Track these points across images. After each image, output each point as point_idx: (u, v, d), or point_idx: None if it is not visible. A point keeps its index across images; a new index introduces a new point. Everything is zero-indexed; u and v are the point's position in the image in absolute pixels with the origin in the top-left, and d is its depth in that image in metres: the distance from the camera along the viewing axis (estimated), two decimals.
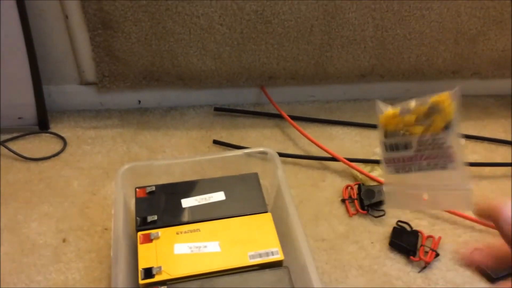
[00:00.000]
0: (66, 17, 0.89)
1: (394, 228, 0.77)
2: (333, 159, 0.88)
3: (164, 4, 0.87)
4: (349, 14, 0.91)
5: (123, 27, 0.90)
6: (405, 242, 0.74)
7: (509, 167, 0.90)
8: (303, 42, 0.95)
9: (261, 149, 0.77)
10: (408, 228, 0.77)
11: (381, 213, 0.79)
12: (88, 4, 0.87)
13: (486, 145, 0.96)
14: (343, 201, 0.82)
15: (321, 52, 0.97)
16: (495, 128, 1.00)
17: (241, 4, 0.88)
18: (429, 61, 1.00)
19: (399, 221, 0.78)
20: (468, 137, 0.97)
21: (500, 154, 0.94)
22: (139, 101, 1.03)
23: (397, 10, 0.91)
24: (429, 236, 0.76)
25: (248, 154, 0.77)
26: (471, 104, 1.07)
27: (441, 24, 0.94)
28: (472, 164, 0.90)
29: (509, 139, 0.97)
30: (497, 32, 0.96)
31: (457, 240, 0.77)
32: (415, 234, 0.76)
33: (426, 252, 0.74)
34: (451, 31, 0.95)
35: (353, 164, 0.85)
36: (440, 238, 0.76)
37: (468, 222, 0.80)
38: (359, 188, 0.81)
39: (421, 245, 0.74)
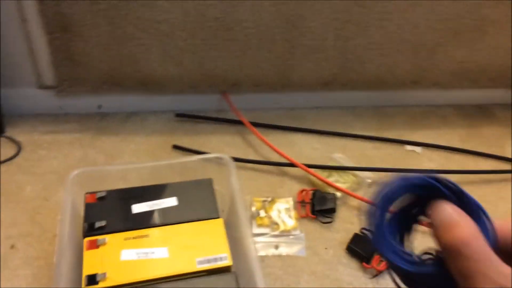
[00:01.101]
0: (24, 20, 0.88)
1: (356, 234, 0.78)
2: (291, 165, 0.89)
3: (124, 9, 0.86)
4: (311, 23, 0.92)
5: (82, 31, 0.89)
6: (361, 249, 0.75)
7: (464, 175, 0.92)
8: (265, 50, 0.96)
9: (216, 155, 0.77)
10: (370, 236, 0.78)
11: (329, 219, 0.80)
12: (46, 7, 0.86)
13: (442, 153, 0.98)
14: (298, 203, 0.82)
15: (284, 60, 0.98)
16: (452, 137, 1.02)
17: (202, 11, 0.88)
18: (390, 71, 1.02)
19: (363, 228, 0.79)
20: (425, 145, 0.99)
21: (455, 162, 0.96)
22: (100, 106, 1.02)
23: (357, 21, 0.92)
24: None
25: (205, 160, 0.77)
26: (430, 113, 1.09)
27: (400, 35, 0.95)
28: (427, 171, 0.91)
29: (465, 147, 0.99)
30: (454, 44, 0.99)
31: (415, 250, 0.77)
32: None
33: (381, 261, 0.74)
34: (410, 42, 0.97)
35: (311, 170, 0.86)
36: None
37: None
38: (314, 194, 0.82)
39: (377, 254, 0.75)
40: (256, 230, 0.77)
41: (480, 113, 1.10)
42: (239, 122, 1.01)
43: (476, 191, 0.88)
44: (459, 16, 0.94)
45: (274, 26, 0.92)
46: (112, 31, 0.89)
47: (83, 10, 0.86)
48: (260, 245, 0.75)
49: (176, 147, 0.94)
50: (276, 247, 0.76)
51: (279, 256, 0.75)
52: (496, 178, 0.92)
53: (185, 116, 1.02)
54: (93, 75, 0.95)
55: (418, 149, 0.98)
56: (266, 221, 0.78)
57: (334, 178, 0.86)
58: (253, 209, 0.80)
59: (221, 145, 0.96)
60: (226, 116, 1.03)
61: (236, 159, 0.90)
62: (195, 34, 0.92)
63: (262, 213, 0.79)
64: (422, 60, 1.01)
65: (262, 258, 0.74)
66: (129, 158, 0.91)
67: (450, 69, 1.04)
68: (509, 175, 0.93)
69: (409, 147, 0.98)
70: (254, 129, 0.95)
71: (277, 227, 0.78)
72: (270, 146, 0.91)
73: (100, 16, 0.87)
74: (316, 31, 0.94)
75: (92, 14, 0.87)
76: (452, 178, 0.93)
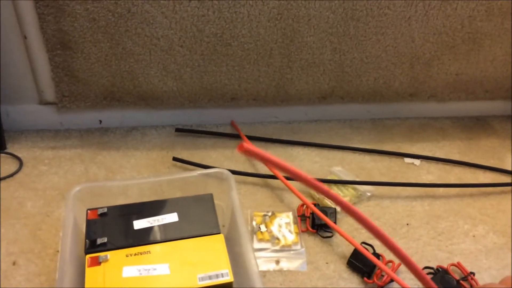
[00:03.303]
0: (25, 37, 0.89)
1: (356, 249, 0.78)
2: (291, 178, 0.89)
3: (124, 25, 0.87)
4: (307, 37, 0.93)
5: (83, 48, 0.90)
6: (362, 263, 0.75)
7: (463, 188, 0.92)
8: (263, 64, 0.97)
9: (216, 169, 0.77)
10: (371, 250, 0.78)
11: (329, 234, 0.80)
12: (47, 24, 0.87)
13: (441, 165, 0.98)
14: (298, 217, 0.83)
15: (282, 74, 0.99)
16: (451, 149, 1.03)
17: (200, 27, 0.89)
18: (386, 84, 1.03)
19: (363, 242, 0.79)
20: (424, 158, 0.99)
21: (454, 174, 0.96)
22: (100, 121, 1.02)
23: (353, 35, 0.94)
24: (389, 261, 0.77)
25: (204, 175, 0.78)
26: (428, 125, 1.10)
27: (396, 48, 0.97)
28: (427, 185, 0.92)
29: (463, 160, 0.99)
30: (450, 56, 1.00)
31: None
32: (376, 257, 0.77)
33: (382, 276, 0.74)
34: (406, 56, 0.98)
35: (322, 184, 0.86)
36: (400, 264, 0.77)
37: None
38: None
39: (379, 269, 0.75)
40: (257, 245, 0.78)
41: (478, 125, 1.11)
42: (239, 136, 1.02)
43: (475, 204, 0.89)
44: (454, 29, 0.95)
45: (271, 41, 0.94)
46: (112, 48, 0.90)
47: (83, 27, 0.87)
48: (261, 260, 0.76)
49: (176, 159, 0.94)
50: (277, 262, 0.76)
51: (280, 271, 0.75)
52: (495, 191, 0.93)
53: (184, 131, 1.03)
54: (94, 91, 0.96)
55: (417, 161, 0.99)
56: (266, 235, 0.78)
57: (334, 192, 0.87)
58: (254, 223, 0.81)
59: (221, 159, 0.97)
60: (226, 130, 1.04)
61: (236, 173, 0.91)
62: (194, 49, 0.93)
63: (263, 228, 0.79)
64: (418, 73, 1.02)
65: (263, 273, 0.74)
66: (130, 173, 0.92)
67: (446, 81, 1.05)
68: (508, 187, 0.94)
69: (408, 160, 0.99)
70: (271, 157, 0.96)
71: (278, 242, 0.78)
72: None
73: (100, 33, 0.88)
74: (313, 46, 0.95)
75: (92, 31, 0.88)
76: (451, 191, 0.94)
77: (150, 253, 0.64)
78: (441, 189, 0.92)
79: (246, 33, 0.91)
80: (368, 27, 0.93)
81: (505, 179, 0.96)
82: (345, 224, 0.83)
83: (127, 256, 0.63)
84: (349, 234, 0.81)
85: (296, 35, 0.93)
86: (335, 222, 0.81)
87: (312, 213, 0.81)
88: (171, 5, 0.86)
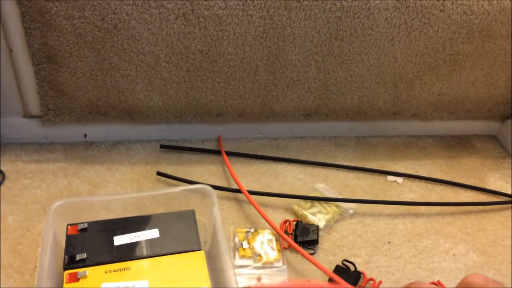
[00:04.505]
0: (11, 50, 0.89)
1: (338, 266, 0.78)
2: (275, 194, 0.90)
3: (110, 41, 0.88)
4: (292, 56, 0.95)
5: (69, 62, 0.90)
6: (344, 280, 0.75)
7: (444, 206, 0.94)
8: (249, 81, 0.98)
9: (199, 186, 0.78)
10: (352, 268, 0.79)
11: (311, 251, 0.81)
12: (33, 38, 0.87)
13: (423, 184, 1.00)
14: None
15: (267, 91, 1.00)
16: (433, 168, 1.04)
17: (186, 44, 0.90)
18: (370, 102, 1.05)
19: (345, 260, 0.79)
20: (406, 176, 1.01)
21: (436, 193, 0.98)
22: (85, 135, 1.02)
23: (337, 54, 0.95)
24: (370, 279, 0.77)
25: (187, 190, 0.78)
26: (411, 144, 1.11)
27: (380, 68, 0.98)
28: (409, 203, 0.93)
29: (445, 178, 1.01)
30: (432, 77, 1.02)
31: (397, 285, 0.78)
32: (357, 275, 0.77)
33: None
34: (389, 75, 1.00)
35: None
36: (380, 282, 0.77)
37: None
38: (296, 225, 0.82)
39: (360, 287, 0.75)
40: (239, 262, 0.78)
41: (459, 144, 1.13)
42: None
43: (456, 223, 0.90)
44: (436, 51, 0.97)
45: (257, 59, 0.95)
46: (98, 62, 0.91)
47: (69, 42, 0.88)
48: (243, 277, 0.75)
49: (160, 173, 0.94)
50: (259, 279, 0.76)
51: None
52: (476, 210, 0.94)
53: (169, 148, 1.03)
54: (79, 105, 0.96)
55: (399, 179, 1.00)
56: (248, 252, 0.78)
57: (317, 209, 0.87)
58: (237, 239, 0.81)
59: (205, 175, 0.97)
60: (211, 145, 1.04)
61: (220, 188, 0.91)
62: (180, 65, 0.94)
63: (245, 244, 0.79)
64: (401, 92, 1.04)
65: None
66: (114, 187, 0.91)
67: (429, 101, 1.07)
68: (488, 206, 0.95)
69: (390, 178, 1.00)
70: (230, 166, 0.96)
71: (259, 259, 0.78)
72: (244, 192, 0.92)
73: (86, 48, 0.89)
74: (298, 64, 0.96)
75: (78, 46, 0.88)
76: (432, 209, 0.95)
77: (129, 269, 0.63)
78: (423, 207, 0.93)
79: (232, 51, 0.92)
80: (352, 47, 0.95)
81: (485, 198, 0.98)
82: (327, 241, 0.84)
83: (106, 272, 0.63)
84: (330, 252, 0.82)
85: (281, 53, 0.94)
86: (317, 239, 0.81)
87: (295, 230, 0.82)
88: (157, 22, 0.87)
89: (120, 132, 1.03)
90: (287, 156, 1.04)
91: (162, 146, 1.02)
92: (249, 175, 0.98)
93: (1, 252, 0.76)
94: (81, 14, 0.84)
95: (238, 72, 0.96)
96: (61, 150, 0.99)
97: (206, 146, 1.04)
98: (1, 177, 0.90)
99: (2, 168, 0.92)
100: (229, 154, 1.01)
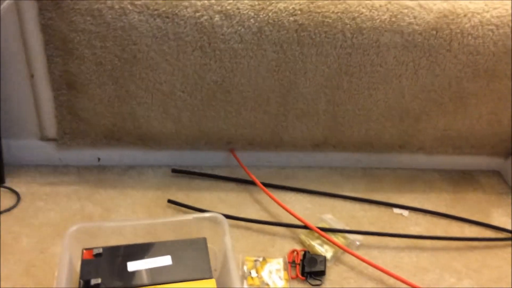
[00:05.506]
0: (32, 75, 0.92)
1: None
2: (283, 224, 0.92)
3: (129, 70, 0.91)
4: (303, 89, 0.98)
5: (87, 89, 0.93)
6: None
7: (449, 241, 0.95)
8: (260, 112, 1.01)
9: (210, 214, 0.80)
10: None
11: (318, 282, 0.82)
12: (55, 65, 0.90)
13: (428, 217, 1.01)
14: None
15: (277, 121, 1.03)
16: (438, 202, 1.06)
17: (202, 74, 0.93)
18: (377, 135, 1.07)
19: None
20: (412, 209, 1.02)
21: (441, 227, 0.99)
22: (99, 159, 1.05)
23: (347, 88, 0.98)
24: None
25: (199, 218, 0.80)
26: (417, 177, 1.13)
27: (387, 103, 1.01)
28: (414, 237, 0.95)
29: (450, 213, 1.02)
30: (438, 113, 1.05)
31: None
32: None
33: None
34: (396, 110, 1.03)
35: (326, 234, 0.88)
36: None
37: None
38: (304, 255, 0.84)
39: None
40: None
41: (464, 179, 1.14)
42: (234, 180, 1.05)
43: (460, 258, 0.92)
44: (442, 88, 1.00)
45: (269, 90, 0.98)
46: (116, 90, 0.94)
47: (89, 70, 0.91)
48: None
49: (171, 201, 0.96)
50: None
51: None
52: (481, 245, 0.95)
53: (181, 172, 1.05)
54: (94, 130, 0.99)
55: (405, 212, 1.02)
56: (257, 281, 0.80)
57: (324, 239, 0.89)
58: (245, 268, 0.82)
59: (215, 201, 0.99)
60: (221, 172, 1.07)
61: (230, 217, 0.93)
62: (194, 95, 0.97)
63: (254, 273, 0.81)
64: (407, 127, 1.07)
65: None
66: (125, 212, 0.93)
67: (434, 136, 1.09)
68: (492, 242, 0.96)
69: (396, 210, 1.02)
70: (266, 189, 0.98)
71: None
72: (282, 206, 0.94)
73: (106, 76, 0.92)
74: (309, 97, 0.99)
75: (98, 74, 0.92)
76: (438, 243, 0.97)
77: None
78: (428, 241, 0.94)
79: (245, 82, 0.96)
80: (361, 82, 0.98)
81: (490, 233, 0.99)
82: (334, 273, 0.85)
83: None
84: (337, 283, 0.83)
85: (292, 86, 0.97)
86: (324, 270, 0.83)
87: (302, 260, 0.83)
88: (175, 53, 0.90)
89: (132, 157, 1.05)
90: (294, 185, 1.06)
91: (174, 171, 1.05)
92: (257, 203, 1.00)
93: (15, 274, 0.78)
94: (103, 44, 0.88)
95: (250, 102, 0.99)
96: (75, 173, 1.01)
97: (216, 172, 1.07)
98: (17, 198, 0.92)
99: (18, 190, 0.94)
100: (237, 181, 1.04)
